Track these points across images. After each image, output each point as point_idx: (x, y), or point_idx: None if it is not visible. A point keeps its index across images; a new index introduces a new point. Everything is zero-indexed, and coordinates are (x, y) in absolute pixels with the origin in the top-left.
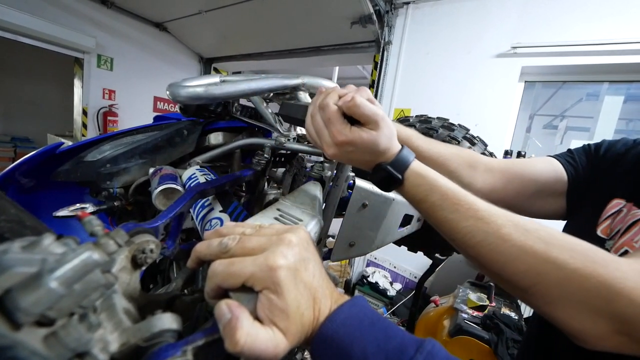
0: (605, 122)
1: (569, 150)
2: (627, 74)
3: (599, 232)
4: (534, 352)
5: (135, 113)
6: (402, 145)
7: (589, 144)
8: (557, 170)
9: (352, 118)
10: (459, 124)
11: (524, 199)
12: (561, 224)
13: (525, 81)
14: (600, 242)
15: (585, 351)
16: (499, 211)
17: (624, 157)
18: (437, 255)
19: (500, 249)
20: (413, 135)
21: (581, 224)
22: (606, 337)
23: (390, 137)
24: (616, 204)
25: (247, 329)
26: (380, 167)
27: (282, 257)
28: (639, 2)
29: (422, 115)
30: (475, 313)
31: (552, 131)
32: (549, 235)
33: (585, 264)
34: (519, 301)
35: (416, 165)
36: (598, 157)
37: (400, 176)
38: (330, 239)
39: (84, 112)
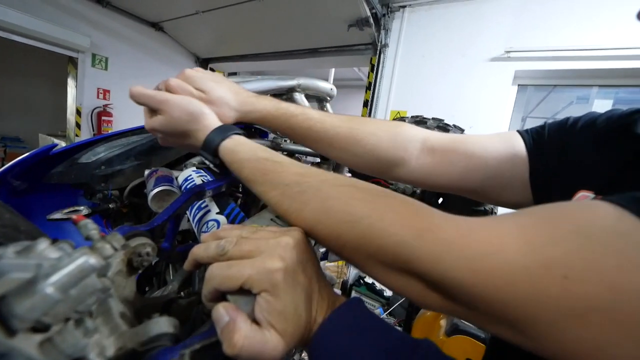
0: None
1: (543, 123)
2: (616, 79)
3: None
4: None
5: (130, 113)
6: (220, 126)
7: (568, 117)
8: (515, 148)
9: None
10: (454, 125)
11: (476, 186)
12: None
13: (518, 84)
14: None
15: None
16: (312, 173)
17: (603, 134)
18: None
19: (304, 215)
20: (307, 112)
21: None
22: (432, 301)
23: (187, 119)
24: (582, 196)
25: (245, 332)
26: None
27: (280, 259)
28: (627, 10)
29: (417, 116)
30: None
31: None
32: (358, 190)
33: (384, 217)
34: None
35: (228, 143)
36: (573, 133)
37: (213, 158)
38: None
39: (78, 112)
